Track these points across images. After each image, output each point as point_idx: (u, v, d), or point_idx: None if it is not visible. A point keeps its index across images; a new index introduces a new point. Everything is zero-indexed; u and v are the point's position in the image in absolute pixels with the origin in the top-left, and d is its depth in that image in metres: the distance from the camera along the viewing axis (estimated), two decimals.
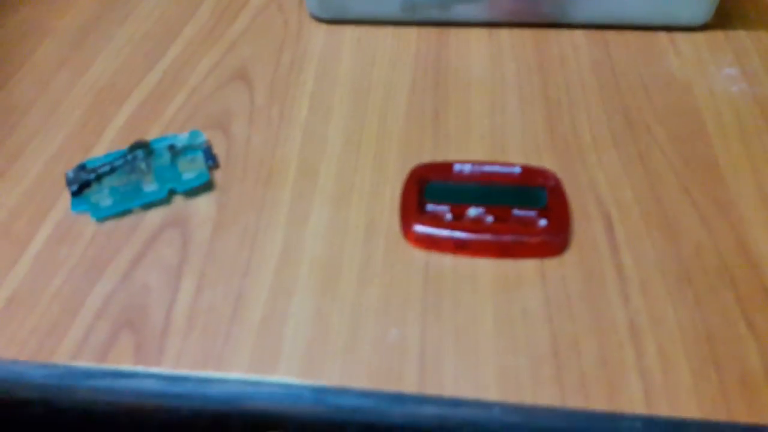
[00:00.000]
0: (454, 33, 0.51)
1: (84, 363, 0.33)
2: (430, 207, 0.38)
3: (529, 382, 0.32)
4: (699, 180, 0.40)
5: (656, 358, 0.32)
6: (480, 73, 0.47)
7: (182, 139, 0.43)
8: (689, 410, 0.30)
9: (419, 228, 0.37)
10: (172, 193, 0.40)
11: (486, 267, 0.36)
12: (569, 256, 0.36)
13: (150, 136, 0.44)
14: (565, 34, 0.50)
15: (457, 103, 0.45)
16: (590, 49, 0.49)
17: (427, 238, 0.37)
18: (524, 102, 0.45)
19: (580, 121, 0.43)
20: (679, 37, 0.49)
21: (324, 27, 0.52)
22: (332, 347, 0.33)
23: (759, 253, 0.36)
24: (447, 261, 0.36)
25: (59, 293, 0.36)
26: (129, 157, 0.41)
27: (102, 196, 0.39)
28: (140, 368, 0.32)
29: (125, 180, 0.40)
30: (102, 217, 0.39)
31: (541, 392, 0.31)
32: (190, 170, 0.41)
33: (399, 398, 0.31)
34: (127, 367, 0.33)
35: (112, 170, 0.40)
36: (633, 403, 0.31)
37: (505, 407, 0.31)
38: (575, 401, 0.31)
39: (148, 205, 0.40)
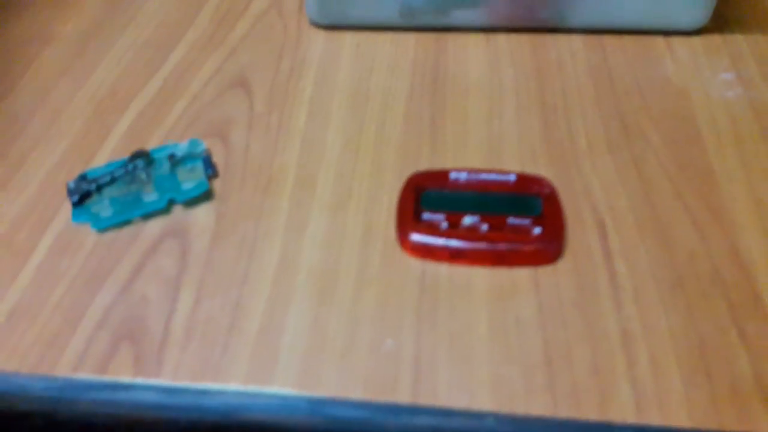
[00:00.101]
0: (452, 38, 0.51)
1: (84, 375, 0.33)
2: (426, 215, 0.38)
3: (522, 391, 0.32)
4: (693, 186, 0.40)
5: (647, 367, 0.33)
6: (477, 79, 0.47)
7: (182, 148, 0.43)
8: (680, 419, 0.31)
9: (415, 237, 0.37)
10: (171, 203, 0.41)
11: (481, 275, 0.36)
12: (563, 264, 0.37)
13: (151, 144, 0.44)
14: (562, 39, 0.50)
15: (455, 110, 0.45)
16: (587, 54, 0.49)
17: (422, 247, 0.37)
18: (521, 108, 0.45)
19: (576, 126, 0.44)
20: (676, 41, 0.49)
21: (323, 33, 0.52)
22: (328, 356, 0.34)
23: (751, 259, 0.36)
24: (443, 270, 0.37)
25: (60, 305, 0.36)
26: (129, 166, 0.42)
27: (102, 206, 0.40)
28: (139, 380, 0.33)
29: (125, 190, 0.41)
30: (102, 227, 0.39)
31: (533, 401, 0.32)
32: (190, 180, 0.41)
33: (394, 409, 0.32)
34: (126, 379, 0.33)
35: (113, 180, 0.41)
36: (624, 412, 0.31)
37: (499, 417, 0.31)
38: (567, 410, 0.31)
39: (147, 216, 0.40)
